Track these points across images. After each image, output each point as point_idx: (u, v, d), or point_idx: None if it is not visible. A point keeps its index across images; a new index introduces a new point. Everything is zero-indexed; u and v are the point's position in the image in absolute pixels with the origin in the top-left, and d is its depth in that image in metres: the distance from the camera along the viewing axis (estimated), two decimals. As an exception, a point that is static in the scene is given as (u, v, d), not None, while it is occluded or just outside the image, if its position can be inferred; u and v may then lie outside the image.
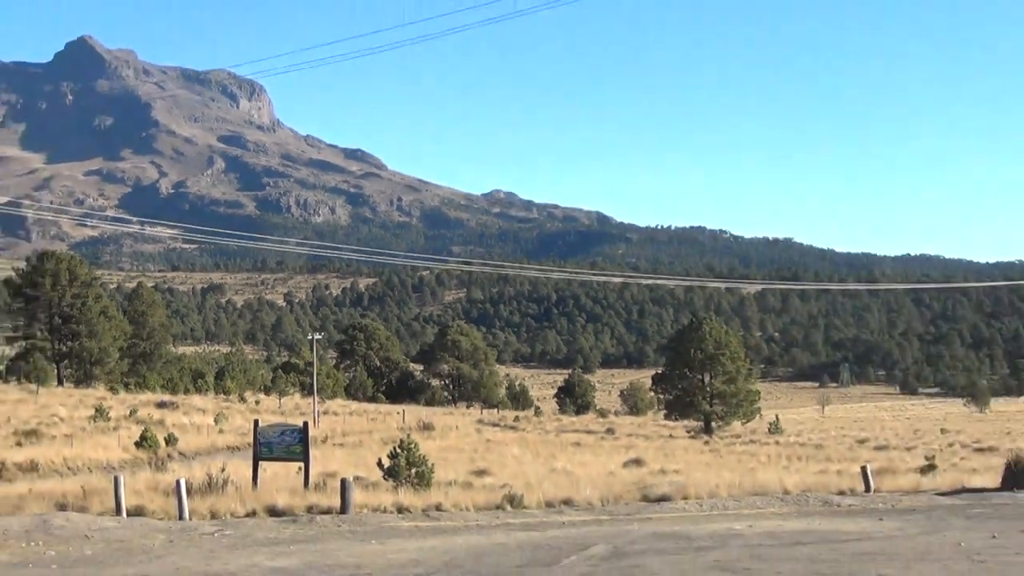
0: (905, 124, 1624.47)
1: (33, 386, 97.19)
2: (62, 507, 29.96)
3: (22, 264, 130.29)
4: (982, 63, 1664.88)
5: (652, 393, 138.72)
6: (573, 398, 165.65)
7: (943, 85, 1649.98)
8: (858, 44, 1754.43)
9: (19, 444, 52.66)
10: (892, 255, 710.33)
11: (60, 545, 24.64)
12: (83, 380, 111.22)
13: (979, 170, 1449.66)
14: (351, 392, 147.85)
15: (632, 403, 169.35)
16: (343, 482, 32.25)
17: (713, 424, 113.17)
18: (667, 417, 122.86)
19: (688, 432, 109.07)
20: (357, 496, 31.85)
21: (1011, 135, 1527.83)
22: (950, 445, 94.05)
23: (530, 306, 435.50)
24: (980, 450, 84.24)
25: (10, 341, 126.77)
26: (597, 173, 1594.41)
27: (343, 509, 30.88)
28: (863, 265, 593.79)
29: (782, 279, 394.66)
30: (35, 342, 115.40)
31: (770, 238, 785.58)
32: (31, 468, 44.19)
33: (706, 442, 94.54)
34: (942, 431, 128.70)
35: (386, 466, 36.92)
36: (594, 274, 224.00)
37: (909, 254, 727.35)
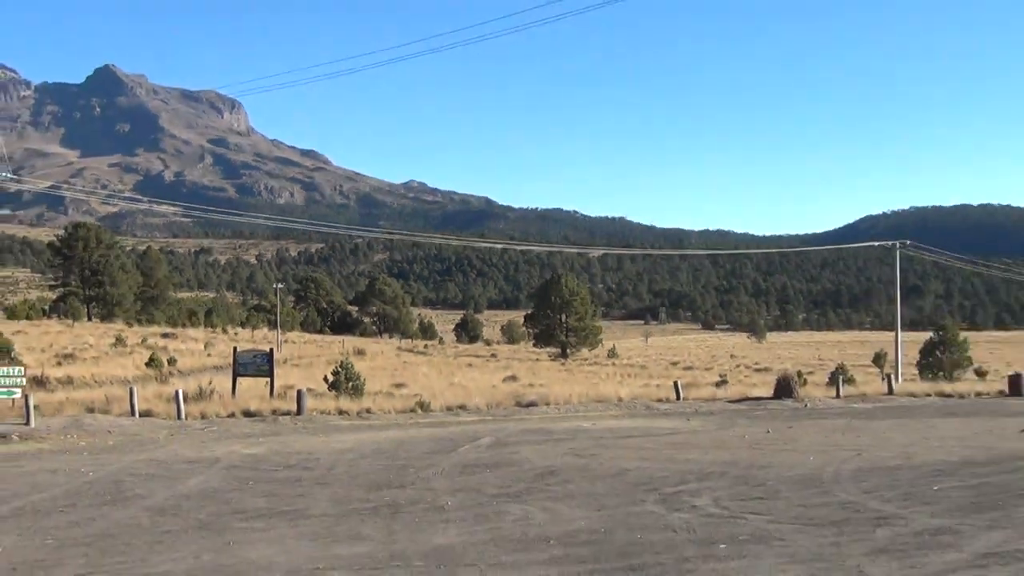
0: (704, 122, 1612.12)
1: (69, 321, 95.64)
2: (91, 410, 29.62)
3: (61, 232, 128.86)
4: (772, 68, 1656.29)
5: (524, 328, 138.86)
6: (467, 331, 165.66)
7: (733, 89, 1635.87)
8: (680, 50, 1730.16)
9: (59, 363, 51.82)
10: (697, 229, 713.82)
11: (89, 438, 24.38)
12: (106, 317, 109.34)
13: (762, 163, 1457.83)
14: (305, 326, 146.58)
15: (509, 335, 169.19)
16: (299, 392, 32.17)
17: (568, 351, 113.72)
18: (535, 345, 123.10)
19: (550, 356, 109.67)
20: (309, 403, 31.74)
21: (785, 135, 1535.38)
22: (737, 367, 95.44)
23: (436, 265, 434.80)
24: (759, 370, 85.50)
25: (52, 288, 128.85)
26: (485, 167, 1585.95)
27: (299, 412, 30.77)
28: (676, 237, 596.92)
29: (618, 247, 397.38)
30: (70, 289, 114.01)
31: (609, 216, 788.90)
32: (68, 381, 43.54)
33: (563, 364, 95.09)
34: (731, 356, 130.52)
35: (330, 380, 36.85)
36: (482, 242, 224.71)
37: (709, 229, 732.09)
